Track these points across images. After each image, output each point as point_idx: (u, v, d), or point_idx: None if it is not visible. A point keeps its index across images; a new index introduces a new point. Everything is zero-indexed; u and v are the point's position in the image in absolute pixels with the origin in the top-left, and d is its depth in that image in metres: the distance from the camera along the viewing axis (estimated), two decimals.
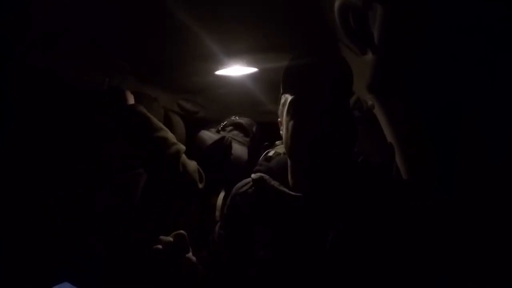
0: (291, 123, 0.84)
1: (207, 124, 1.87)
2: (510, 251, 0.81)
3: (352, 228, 0.81)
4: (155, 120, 1.38)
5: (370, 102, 1.28)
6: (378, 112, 1.26)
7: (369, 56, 1.01)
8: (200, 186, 1.42)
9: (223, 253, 1.01)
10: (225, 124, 1.77)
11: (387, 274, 0.77)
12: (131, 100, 1.42)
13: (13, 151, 1.36)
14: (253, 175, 0.97)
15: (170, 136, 1.39)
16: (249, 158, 1.63)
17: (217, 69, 1.56)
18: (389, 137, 1.23)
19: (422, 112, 1.12)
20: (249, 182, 1.01)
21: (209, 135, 1.69)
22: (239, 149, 1.65)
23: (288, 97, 0.86)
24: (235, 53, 1.37)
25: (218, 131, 1.74)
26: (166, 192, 1.48)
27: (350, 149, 0.89)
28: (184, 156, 1.39)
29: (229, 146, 1.62)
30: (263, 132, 1.77)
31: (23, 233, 1.35)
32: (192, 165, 1.42)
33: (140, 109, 1.37)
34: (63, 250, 1.32)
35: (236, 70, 1.55)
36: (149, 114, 1.37)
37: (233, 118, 1.80)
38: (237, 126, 1.75)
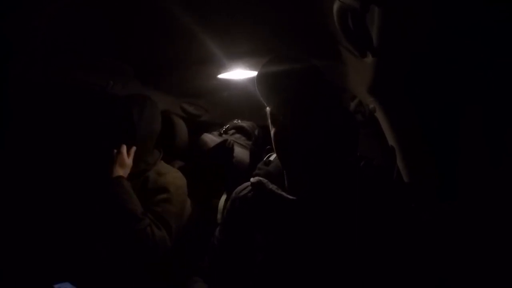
0: (272, 131, 0.88)
1: (210, 127, 1.88)
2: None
3: (352, 230, 0.80)
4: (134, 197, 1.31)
5: (371, 105, 1.28)
6: (379, 115, 1.25)
7: (369, 58, 1.01)
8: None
9: (223, 258, 1.01)
10: (227, 127, 1.77)
11: (387, 276, 0.77)
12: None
13: (12, 153, 1.37)
14: (252, 179, 0.97)
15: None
16: (251, 161, 1.63)
17: (220, 73, 1.56)
18: (391, 140, 1.22)
19: (421, 114, 1.11)
20: (248, 186, 1.01)
21: (211, 138, 1.69)
22: (241, 152, 1.65)
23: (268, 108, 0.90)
24: (237, 57, 1.38)
25: (220, 134, 1.74)
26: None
27: (349, 152, 0.89)
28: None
29: (231, 149, 1.62)
30: (265, 136, 1.77)
31: (24, 233, 1.37)
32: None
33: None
34: (64, 250, 1.33)
35: (238, 73, 1.55)
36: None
37: (235, 121, 1.80)
38: (239, 130, 1.75)
